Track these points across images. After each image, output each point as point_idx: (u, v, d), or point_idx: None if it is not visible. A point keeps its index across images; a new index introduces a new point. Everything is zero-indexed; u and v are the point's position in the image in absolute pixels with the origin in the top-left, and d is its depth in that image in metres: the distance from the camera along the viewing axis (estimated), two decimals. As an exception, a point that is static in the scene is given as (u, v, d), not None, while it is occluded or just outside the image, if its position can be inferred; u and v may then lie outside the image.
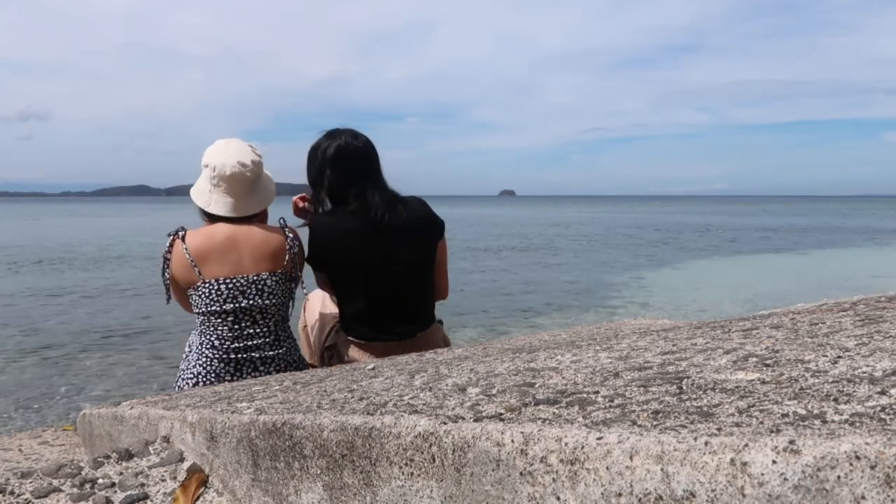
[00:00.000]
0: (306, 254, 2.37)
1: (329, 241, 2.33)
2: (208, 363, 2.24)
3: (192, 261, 2.21)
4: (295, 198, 2.53)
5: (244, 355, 2.25)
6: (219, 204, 2.28)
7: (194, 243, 2.23)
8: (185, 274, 2.24)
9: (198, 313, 2.28)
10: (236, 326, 2.24)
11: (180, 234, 2.25)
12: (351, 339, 2.43)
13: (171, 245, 2.24)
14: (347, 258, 2.33)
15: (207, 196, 2.29)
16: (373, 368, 1.62)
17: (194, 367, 2.26)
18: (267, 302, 2.27)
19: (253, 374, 2.25)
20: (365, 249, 2.32)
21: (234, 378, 2.22)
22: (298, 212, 2.51)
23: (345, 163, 2.34)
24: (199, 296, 2.23)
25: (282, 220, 2.40)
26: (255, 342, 2.26)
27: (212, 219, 2.32)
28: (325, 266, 2.38)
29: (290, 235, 2.34)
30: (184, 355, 2.38)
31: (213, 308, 2.22)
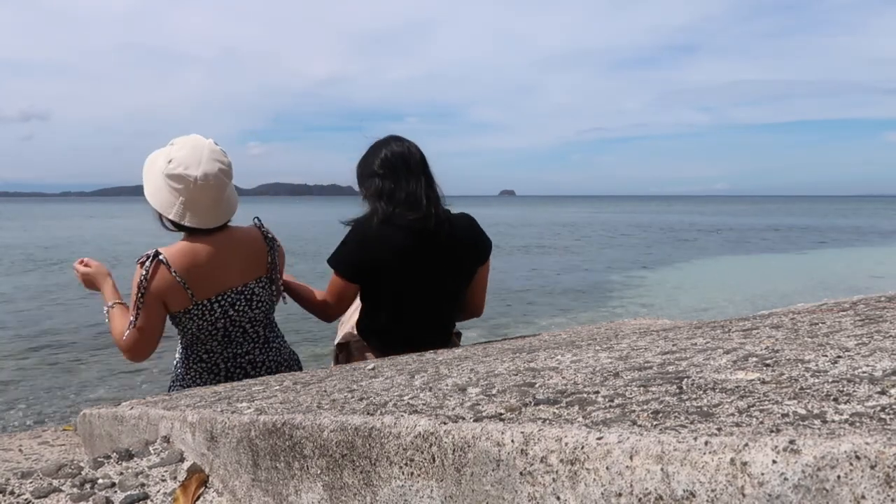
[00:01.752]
0: (340, 258, 2.26)
1: (378, 254, 2.21)
2: (198, 377, 2.18)
3: (183, 283, 2.03)
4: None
5: (233, 362, 2.19)
6: (195, 218, 2.06)
7: (180, 264, 2.03)
8: (175, 298, 2.05)
9: (184, 335, 2.18)
10: (226, 339, 2.17)
11: (161, 257, 2.03)
12: (367, 345, 2.39)
13: (154, 271, 2.01)
14: (390, 273, 2.23)
15: (180, 208, 2.04)
16: (373, 368, 1.62)
17: (183, 382, 2.20)
18: (256, 311, 2.19)
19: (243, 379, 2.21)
20: (412, 268, 2.23)
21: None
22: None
23: (397, 164, 2.27)
24: (191, 318, 2.10)
25: (256, 220, 2.27)
26: (244, 349, 2.20)
27: (180, 229, 2.12)
28: (359, 278, 2.27)
29: (269, 236, 2.23)
30: (174, 365, 2.31)
31: (206, 326, 2.13)
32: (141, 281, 2.00)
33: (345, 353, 2.47)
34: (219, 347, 2.17)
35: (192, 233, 2.10)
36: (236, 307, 2.13)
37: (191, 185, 2.00)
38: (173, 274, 2.01)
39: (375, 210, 2.25)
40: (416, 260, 2.23)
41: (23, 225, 42.63)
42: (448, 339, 2.44)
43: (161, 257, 2.02)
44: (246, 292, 2.15)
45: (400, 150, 2.31)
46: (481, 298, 2.48)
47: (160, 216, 2.10)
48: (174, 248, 2.07)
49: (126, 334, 2.05)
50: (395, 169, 2.27)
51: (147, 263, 2.01)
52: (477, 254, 2.36)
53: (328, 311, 2.39)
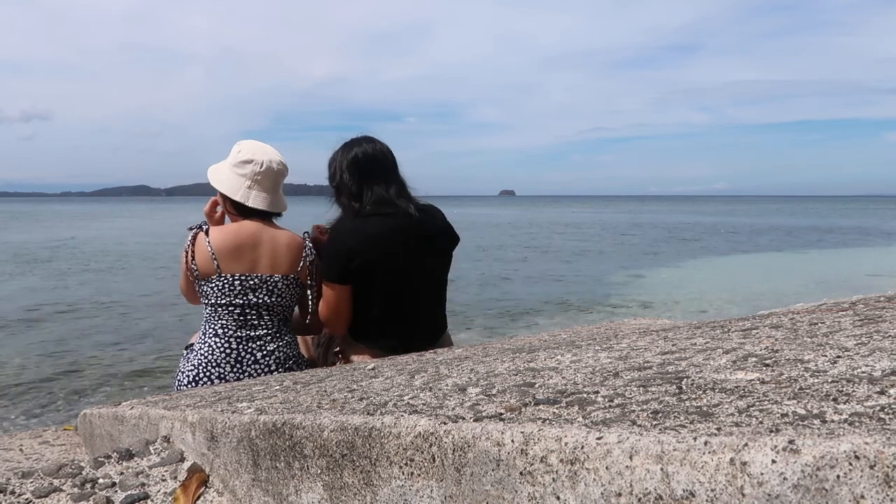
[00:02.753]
0: (329, 264, 2.35)
1: (357, 244, 2.28)
2: (210, 352, 2.30)
3: (213, 254, 2.29)
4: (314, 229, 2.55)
5: (245, 346, 2.31)
6: (258, 199, 2.36)
7: (217, 238, 2.31)
8: (204, 266, 2.30)
9: (206, 304, 2.35)
10: (241, 318, 2.33)
11: (204, 227, 2.34)
12: (364, 346, 2.40)
13: (195, 238, 2.31)
14: (374, 262, 2.28)
15: (246, 191, 2.35)
16: (373, 368, 1.62)
17: (196, 357, 2.31)
18: (275, 300, 2.35)
19: (253, 366, 2.31)
20: (394, 255, 2.29)
21: (235, 367, 2.29)
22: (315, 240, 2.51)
23: (367, 166, 2.36)
24: (212, 288, 2.31)
25: (306, 234, 2.48)
26: (257, 333, 2.34)
27: (241, 213, 2.38)
28: (349, 274, 2.30)
29: (309, 245, 2.43)
30: (184, 352, 2.44)
31: (223, 301, 2.31)
32: (186, 246, 2.32)
33: (346, 361, 2.47)
34: (234, 325, 2.32)
35: (245, 217, 2.38)
36: (257, 293, 2.33)
37: (257, 167, 2.35)
38: (207, 243, 2.30)
39: (347, 208, 2.36)
40: (395, 246, 2.29)
41: (24, 226, 42.67)
42: (441, 324, 2.48)
43: (204, 228, 2.36)
44: (269, 283, 2.34)
45: (372, 151, 2.38)
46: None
47: (225, 205, 2.42)
48: (220, 226, 2.40)
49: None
50: (366, 170, 2.35)
51: (193, 231, 2.35)
52: (452, 242, 2.46)
53: (324, 322, 2.45)
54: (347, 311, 2.36)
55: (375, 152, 2.38)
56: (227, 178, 2.38)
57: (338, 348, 2.52)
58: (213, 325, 2.34)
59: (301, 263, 2.39)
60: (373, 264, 2.28)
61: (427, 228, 2.37)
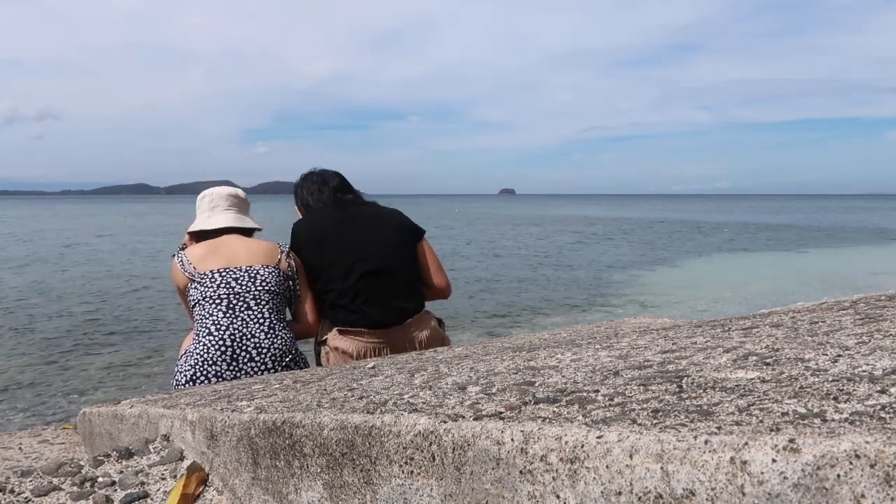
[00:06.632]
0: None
1: (306, 232, 2.60)
2: (205, 351, 2.28)
3: (189, 262, 2.42)
4: None
5: (239, 343, 2.29)
6: (219, 218, 2.57)
7: (190, 251, 2.48)
8: (184, 277, 2.43)
9: (195, 306, 2.38)
10: (230, 311, 2.32)
11: (181, 248, 2.53)
12: (338, 329, 2.50)
13: (173, 259, 2.48)
14: (324, 242, 2.55)
15: (206, 220, 2.59)
16: (373, 367, 1.62)
17: (192, 357, 2.29)
18: (259, 288, 2.38)
19: (249, 364, 2.28)
20: (340, 231, 2.56)
21: (231, 366, 2.27)
22: None
23: (321, 184, 2.74)
24: (196, 287, 2.38)
25: (279, 242, 2.61)
26: (249, 328, 2.31)
27: (200, 236, 2.59)
28: (307, 259, 2.57)
29: (286, 251, 2.56)
30: (181, 352, 2.41)
31: (208, 293, 2.34)
32: (172, 271, 2.50)
33: (329, 350, 2.52)
34: (225, 321, 2.31)
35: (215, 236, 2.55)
36: (239, 281, 2.39)
37: (211, 196, 2.62)
38: (179, 259, 2.45)
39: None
40: (344, 227, 2.57)
41: (29, 224, 42.66)
42: (405, 299, 2.55)
43: (182, 247, 2.54)
44: (251, 271, 2.40)
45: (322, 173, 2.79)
46: (439, 276, 2.73)
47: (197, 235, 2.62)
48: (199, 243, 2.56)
49: None
50: (317, 185, 2.75)
51: (172, 257, 2.50)
52: (405, 228, 2.67)
53: (314, 320, 2.61)
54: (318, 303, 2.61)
55: (331, 174, 2.77)
56: (197, 220, 2.65)
57: (323, 338, 2.55)
58: (205, 325, 2.32)
59: (279, 256, 2.50)
60: (322, 244, 2.55)
61: (372, 212, 2.65)
